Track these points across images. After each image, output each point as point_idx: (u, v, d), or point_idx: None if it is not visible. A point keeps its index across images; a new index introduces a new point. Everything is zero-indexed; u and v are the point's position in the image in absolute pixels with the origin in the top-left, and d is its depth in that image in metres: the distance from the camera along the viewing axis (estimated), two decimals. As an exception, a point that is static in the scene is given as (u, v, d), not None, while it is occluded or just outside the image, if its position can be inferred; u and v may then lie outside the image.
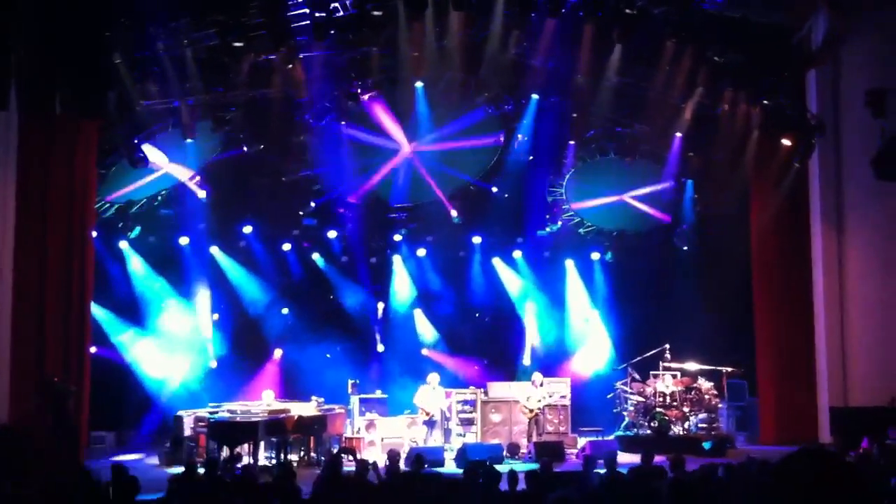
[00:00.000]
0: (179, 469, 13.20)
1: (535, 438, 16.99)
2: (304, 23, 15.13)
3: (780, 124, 17.45)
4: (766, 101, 17.15)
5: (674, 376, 18.01)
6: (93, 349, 17.36)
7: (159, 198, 18.96)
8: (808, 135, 17.38)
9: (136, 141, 16.36)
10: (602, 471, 10.94)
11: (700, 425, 17.60)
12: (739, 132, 17.68)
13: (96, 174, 16.49)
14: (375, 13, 15.17)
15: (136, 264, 19.60)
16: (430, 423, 17.07)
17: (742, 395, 18.43)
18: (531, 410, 17.26)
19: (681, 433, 17.38)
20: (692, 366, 18.24)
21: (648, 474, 10.14)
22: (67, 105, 13.99)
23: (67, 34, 13.38)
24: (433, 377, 17.43)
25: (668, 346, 18.29)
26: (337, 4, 14.79)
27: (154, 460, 16.65)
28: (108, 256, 19.09)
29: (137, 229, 18.97)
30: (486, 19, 16.28)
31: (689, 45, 16.39)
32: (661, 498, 7.66)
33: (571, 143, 19.46)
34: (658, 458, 11.89)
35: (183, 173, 18.64)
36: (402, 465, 15.16)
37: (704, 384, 17.85)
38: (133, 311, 19.62)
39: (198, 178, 18.76)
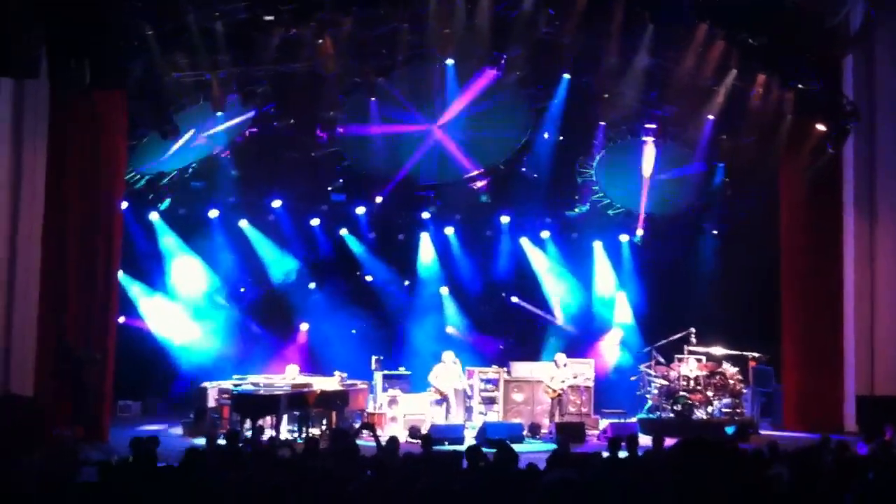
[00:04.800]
0: (201, 440, 13.34)
1: (557, 419, 16.98)
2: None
3: (814, 109, 17.20)
4: (800, 86, 16.91)
5: (698, 360, 17.93)
6: (120, 319, 17.56)
7: (190, 170, 19.07)
8: (842, 121, 17.13)
9: (166, 113, 16.46)
10: (623, 453, 10.89)
11: (724, 410, 17.50)
12: (772, 116, 17.43)
13: (126, 145, 16.61)
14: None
15: (166, 236, 19.77)
16: (440, 402, 17.09)
17: (767, 381, 18.29)
18: (554, 391, 17.24)
19: (704, 417, 17.31)
20: (718, 350, 18.15)
21: (656, 457, 10.07)
22: (98, 75, 14.07)
23: (97, 3, 13.44)
24: (448, 355, 17.46)
25: (693, 329, 18.19)
26: (367, -20, 14.77)
27: (178, 430, 16.85)
28: (139, 227, 19.26)
29: (168, 201, 19.09)
30: (517, -4, 16.15)
31: (722, 27, 16.17)
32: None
33: (602, 123, 19.31)
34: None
35: (214, 146, 18.72)
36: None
37: (729, 369, 17.74)
38: (161, 282, 19.82)
39: (228, 151, 18.84)
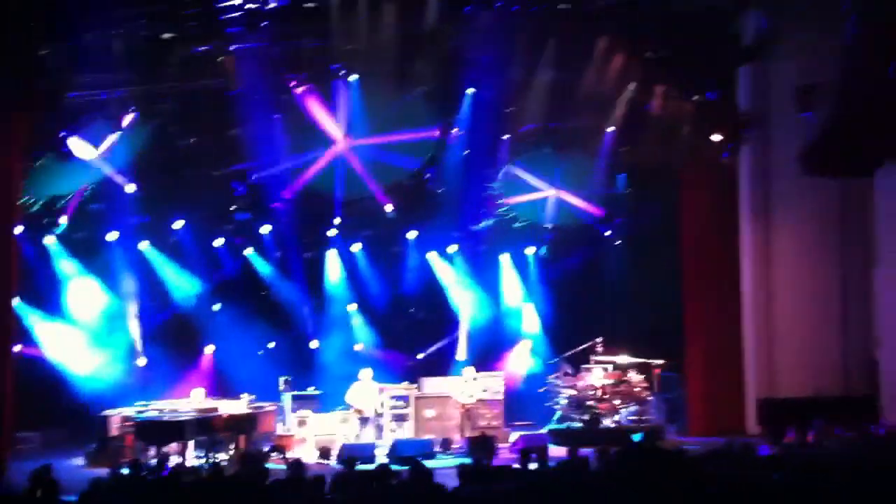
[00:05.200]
0: (105, 470, 12.92)
1: (467, 433, 16.99)
2: (236, 14, 14.93)
3: (711, 119, 17.71)
4: (696, 97, 17.39)
5: (605, 369, 18.15)
6: (17, 348, 16.94)
7: (87, 192, 18.54)
8: (738, 130, 17.67)
9: (62, 134, 16.00)
10: (534, 465, 10.95)
11: (630, 418, 17.79)
12: (670, 127, 17.88)
13: (21, 168, 16.09)
14: (308, 4, 15.03)
15: (63, 260, 19.17)
16: (363, 420, 16.98)
17: (672, 387, 18.64)
18: (463, 405, 17.28)
19: (611, 426, 17.52)
20: (624, 359, 18.39)
21: (574, 467, 10.19)
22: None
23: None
24: (365, 373, 17.34)
25: (600, 339, 18.45)
26: (269, -5, 14.62)
27: (80, 461, 16.31)
28: (34, 252, 18.64)
29: (64, 224, 18.55)
30: (421, 12, 16.20)
31: (622, 40, 16.52)
32: (586, 489, 7.76)
33: (506, 137, 19.48)
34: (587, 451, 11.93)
35: (111, 167, 18.24)
36: (333, 463, 15.19)
37: (635, 377, 18.03)
38: (59, 309, 19.20)
39: (126, 172, 18.38)
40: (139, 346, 19.91)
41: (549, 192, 20.16)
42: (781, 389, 17.64)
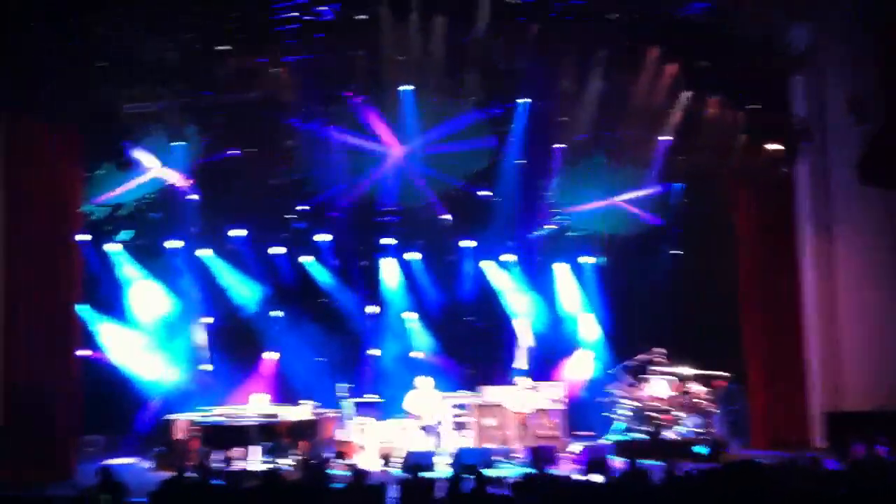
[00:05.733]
0: (171, 473, 13.23)
1: (527, 442, 16.96)
2: (289, 26, 15.21)
3: (766, 129, 17.52)
4: (751, 107, 17.21)
5: (667, 380, 18.00)
6: (82, 353, 17.39)
7: (148, 201, 19.00)
8: (794, 140, 17.45)
9: (122, 144, 16.46)
10: (597, 476, 10.94)
11: (693, 430, 17.58)
12: (725, 137, 17.72)
13: (83, 177, 16.56)
14: (360, 17, 15.23)
15: (126, 267, 19.65)
16: (423, 428, 17.08)
17: (735, 399, 18.43)
18: (520, 414, 17.23)
19: (674, 438, 17.37)
20: (686, 370, 18.21)
21: (634, 479, 10.16)
22: (52, 109, 14.08)
23: (51, 37, 13.45)
24: (423, 381, 17.44)
25: (661, 349, 18.31)
26: (322, 8, 14.85)
27: (147, 464, 16.70)
28: (97, 260, 19.12)
29: (125, 232, 19.01)
30: (472, 24, 16.31)
31: (674, 50, 16.45)
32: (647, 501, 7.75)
33: (560, 146, 19.47)
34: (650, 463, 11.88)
35: (171, 176, 18.68)
36: (394, 470, 15.34)
37: (698, 388, 17.83)
38: (123, 314, 19.66)
39: (187, 181, 18.80)
40: (202, 351, 20.30)
41: (604, 201, 20.05)
42: (847, 403, 17.38)
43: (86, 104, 15.14)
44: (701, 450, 16.67)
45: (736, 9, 16.42)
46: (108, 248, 19.27)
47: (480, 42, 16.41)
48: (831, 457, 14.40)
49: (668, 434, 17.45)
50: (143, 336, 19.68)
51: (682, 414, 17.63)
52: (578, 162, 19.77)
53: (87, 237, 17.50)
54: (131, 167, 17.01)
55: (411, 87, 17.84)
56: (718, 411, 17.96)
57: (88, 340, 18.60)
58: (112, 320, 19.48)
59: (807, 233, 18.24)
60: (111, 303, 19.46)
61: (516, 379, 17.88)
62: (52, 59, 13.61)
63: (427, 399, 17.23)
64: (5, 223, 15.00)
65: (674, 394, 17.73)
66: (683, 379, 18.09)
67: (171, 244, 19.68)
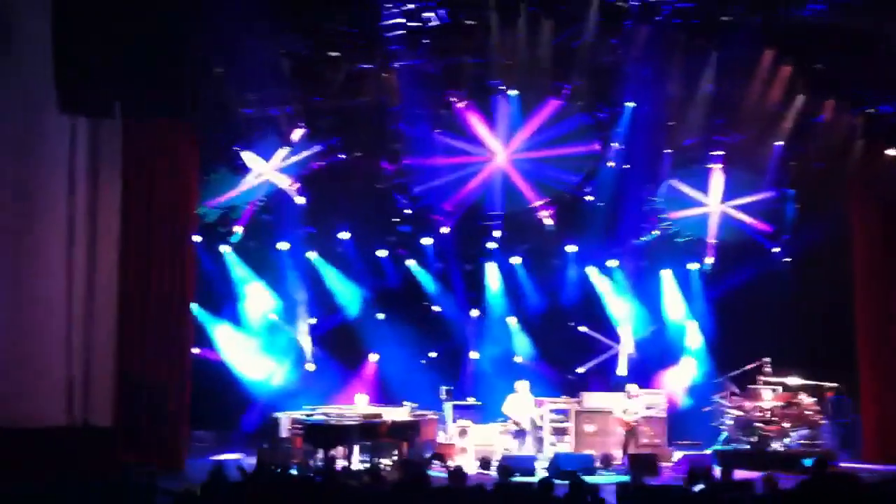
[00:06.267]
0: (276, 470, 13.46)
1: (631, 450, 16.80)
2: (398, 32, 15.37)
3: (885, 133, 16.97)
4: (869, 110, 16.70)
5: (773, 391, 17.58)
6: (195, 350, 17.87)
7: (259, 203, 19.45)
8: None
9: (235, 148, 16.87)
10: (698, 486, 10.75)
11: (801, 442, 17.16)
12: (842, 141, 17.25)
13: (198, 180, 17.02)
14: (468, 22, 15.31)
15: (237, 268, 20.13)
16: (519, 434, 17.06)
17: (845, 411, 17.91)
18: (627, 423, 17.08)
19: (780, 449, 16.99)
20: (793, 380, 17.75)
21: (732, 489, 9.97)
22: (169, 113, 14.51)
23: (166, 42, 13.85)
24: (521, 385, 17.41)
25: (767, 359, 17.87)
26: (430, 14, 14.97)
27: (252, 460, 17.04)
28: (210, 260, 19.64)
29: (238, 234, 19.49)
30: (580, 27, 16.23)
31: (788, 52, 16.07)
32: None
33: (667, 151, 19.20)
34: (754, 475, 11.63)
35: (282, 180, 19.09)
36: (493, 473, 15.34)
37: (805, 399, 17.38)
38: (233, 314, 20.15)
39: (296, 184, 19.17)
40: (308, 351, 20.66)
41: (713, 207, 19.69)
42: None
43: (204, 107, 15.52)
44: (807, 462, 16.22)
45: (853, 9, 15.95)
46: (221, 249, 19.75)
47: (588, 46, 16.33)
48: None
49: (774, 445, 17.05)
50: (251, 336, 20.13)
51: (788, 425, 17.20)
52: (687, 166, 19.51)
53: (200, 238, 17.93)
54: (244, 170, 17.40)
55: (517, 92, 17.83)
56: (826, 423, 17.49)
57: (200, 339, 19.10)
58: (223, 320, 19.97)
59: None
60: (223, 303, 19.97)
61: (628, 387, 17.68)
62: (171, 62, 14.00)
63: (525, 403, 17.18)
64: (124, 222, 15.47)
65: (780, 404, 17.31)
66: (791, 389, 17.65)
67: (281, 246, 20.07)
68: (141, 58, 13.71)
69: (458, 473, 10.85)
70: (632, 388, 17.57)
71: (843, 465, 16.71)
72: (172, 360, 15.98)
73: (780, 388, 17.65)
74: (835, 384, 17.76)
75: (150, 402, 15.35)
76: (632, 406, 17.17)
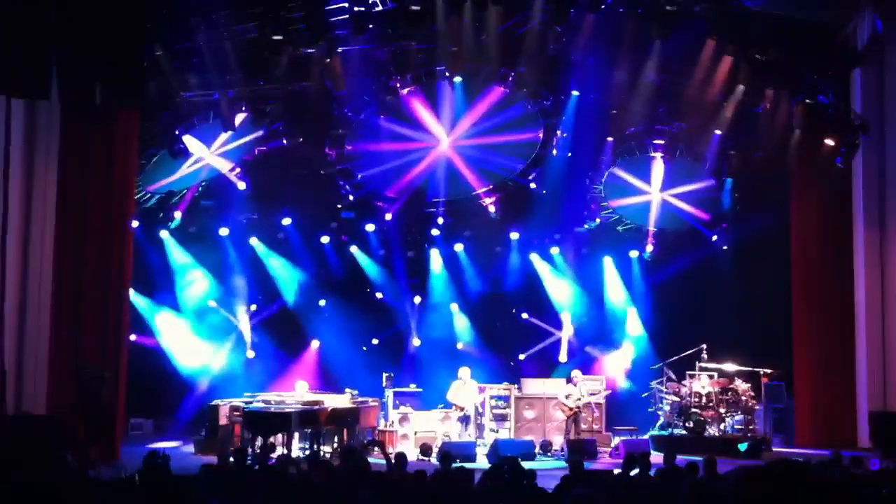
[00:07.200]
0: (213, 458, 13.33)
1: (572, 436, 16.94)
2: (343, 17, 15.21)
3: (823, 123, 17.24)
4: (808, 100, 16.95)
5: (710, 377, 17.88)
6: (132, 337, 17.60)
7: (200, 188, 19.15)
8: (851, 135, 17.14)
9: (176, 132, 16.57)
10: (636, 471, 10.85)
11: (736, 427, 17.48)
12: (780, 131, 17.48)
13: (137, 164, 16.69)
14: (414, 8, 15.19)
15: (177, 254, 19.84)
16: (463, 419, 17.10)
17: (780, 396, 18.24)
18: (570, 409, 17.19)
19: (716, 434, 17.27)
20: (729, 366, 18.10)
21: (672, 474, 10.06)
22: (108, 96, 14.16)
23: (108, 25, 13.52)
24: (464, 371, 17.45)
25: (704, 346, 18.17)
26: (376, -1, 14.85)
27: (190, 448, 16.85)
28: (149, 246, 19.34)
29: (178, 219, 19.18)
30: (526, 14, 16.22)
31: (730, 42, 16.23)
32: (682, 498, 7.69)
33: (610, 139, 19.33)
34: (693, 459, 11.76)
35: (223, 165, 18.82)
36: (433, 460, 15.34)
37: (741, 385, 17.72)
38: (172, 301, 19.87)
39: (238, 169, 18.92)
40: (248, 338, 20.45)
41: (653, 196, 19.89)
42: (894, 403, 17.08)
43: (144, 91, 15.17)
44: (742, 446, 16.55)
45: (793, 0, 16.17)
46: (160, 234, 19.46)
47: (534, 33, 16.32)
48: (876, 456, 14.25)
49: (711, 430, 17.31)
50: (190, 323, 19.87)
51: (724, 410, 17.48)
52: (629, 155, 19.66)
53: (139, 224, 17.62)
54: (185, 155, 17.12)
55: (461, 78, 17.78)
56: (761, 408, 17.81)
57: (139, 325, 18.81)
58: (161, 307, 19.69)
59: (861, 229, 17.88)
60: (161, 289, 19.69)
61: (573, 372, 17.80)
62: (110, 45, 13.67)
63: (466, 390, 17.23)
64: (61, 207, 15.11)
65: (716, 390, 17.59)
66: (727, 375, 17.96)
67: (221, 231, 19.84)
68: (80, 39, 13.39)
69: (398, 460, 10.82)
70: (576, 373, 17.71)
71: (776, 449, 17.07)
72: (109, 348, 15.65)
73: (716, 374, 17.94)
74: (770, 370, 18.04)
75: (85, 391, 15.00)
76: (575, 392, 17.29)
